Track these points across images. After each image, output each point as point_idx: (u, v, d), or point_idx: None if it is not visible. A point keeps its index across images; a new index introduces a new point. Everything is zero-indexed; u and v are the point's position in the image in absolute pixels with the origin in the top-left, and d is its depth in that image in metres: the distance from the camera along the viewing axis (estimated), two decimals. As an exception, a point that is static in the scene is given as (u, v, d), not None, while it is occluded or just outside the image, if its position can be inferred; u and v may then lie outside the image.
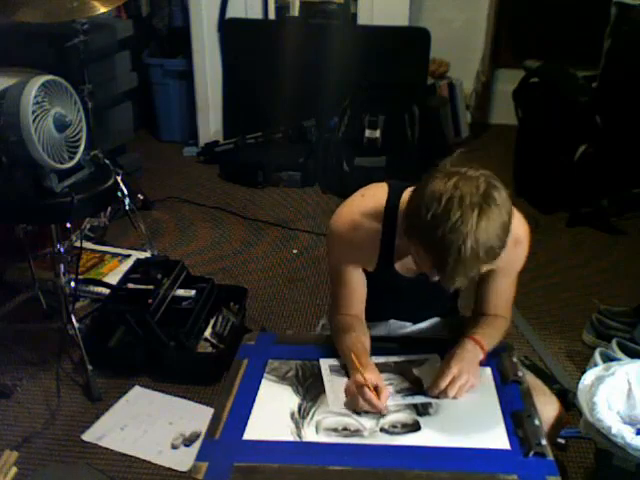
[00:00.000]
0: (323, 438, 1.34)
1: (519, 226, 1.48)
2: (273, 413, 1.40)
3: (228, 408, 1.42)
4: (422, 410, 1.41)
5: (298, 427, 1.36)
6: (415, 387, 1.48)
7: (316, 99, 3.73)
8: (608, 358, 2.01)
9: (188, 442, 1.95)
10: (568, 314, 2.57)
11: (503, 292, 1.58)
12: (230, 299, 2.48)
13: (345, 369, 1.52)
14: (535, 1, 4.14)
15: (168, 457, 1.91)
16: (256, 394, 1.46)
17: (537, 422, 1.36)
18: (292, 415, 1.39)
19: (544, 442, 1.30)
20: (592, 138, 3.16)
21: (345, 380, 1.48)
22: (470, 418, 1.40)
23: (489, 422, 1.38)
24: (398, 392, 1.46)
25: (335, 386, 1.49)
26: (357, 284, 1.59)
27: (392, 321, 1.73)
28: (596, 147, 3.15)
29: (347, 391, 1.43)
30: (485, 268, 1.30)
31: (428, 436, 1.34)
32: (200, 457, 1.30)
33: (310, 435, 1.34)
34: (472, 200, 1.22)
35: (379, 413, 1.38)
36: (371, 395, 1.37)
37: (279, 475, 1.26)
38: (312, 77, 3.73)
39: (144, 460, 1.90)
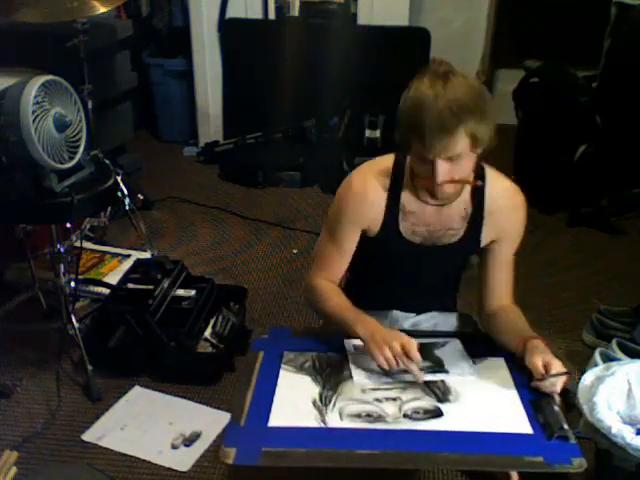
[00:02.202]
0: (347, 424, 1.35)
1: (516, 194, 1.61)
2: (295, 401, 1.42)
3: (250, 396, 1.44)
4: (442, 397, 1.43)
5: (322, 414, 1.38)
6: (436, 366, 1.51)
7: (316, 99, 3.73)
8: (608, 358, 2.01)
9: (188, 442, 1.95)
10: (568, 314, 2.57)
11: (507, 271, 1.65)
12: (230, 299, 2.48)
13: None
14: (535, 1, 4.14)
15: (168, 457, 1.91)
16: (276, 383, 1.48)
17: (557, 408, 1.39)
18: (314, 402, 1.41)
19: (566, 426, 1.33)
20: (592, 138, 3.16)
21: (368, 357, 1.51)
22: (490, 404, 1.42)
23: (509, 408, 1.41)
24: (420, 369, 1.48)
25: (358, 362, 1.52)
26: (348, 248, 1.64)
27: (395, 312, 1.73)
28: (596, 147, 3.15)
29: (382, 342, 1.45)
30: (465, 137, 1.40)
31: (451, 421, 1.36)
32: (228, 442, 1.32)
33: (334, 421, 1.36)
34: (439, 73, 1.42)
35: (414, 370, 1.43)
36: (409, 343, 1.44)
37: (308, 459, 1.28)
38: (312, 77, 3.73)
39: (144, 460, 1.90)
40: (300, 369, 1.53)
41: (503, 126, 4.12)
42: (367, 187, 1.60)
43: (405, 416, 1.37)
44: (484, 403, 1.43)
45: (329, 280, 1.66)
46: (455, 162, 1.43)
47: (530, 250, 3.06)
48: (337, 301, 1.60)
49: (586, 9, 3.78)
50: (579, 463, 1.27)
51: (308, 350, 1.59)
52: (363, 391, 1.45)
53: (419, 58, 3.77)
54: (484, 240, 1.62)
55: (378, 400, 1.42)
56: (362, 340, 1.50)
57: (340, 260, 1.65)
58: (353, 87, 3.67)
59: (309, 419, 1.37)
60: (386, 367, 1.44)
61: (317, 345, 1.62)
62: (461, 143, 1.40)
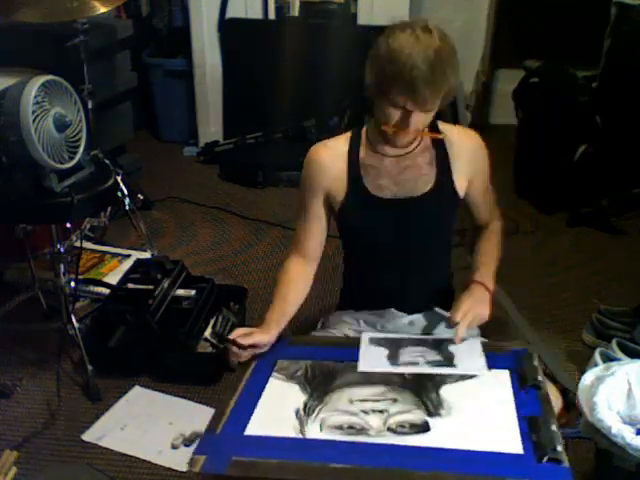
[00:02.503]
0: (327, 436, 1.31)
1: (474, 134, 1.74)
2: (278, 410, 1.39)
3: (232, 404, 1.41)
4: (433, 411, 1.37)
5: (302, 424, 1.33)
6: (446, 361, 1.49)
7: (316, 99, 3.73)
8: (608, 358, 2.01)
9: (188, 442, 1.95)
10: (568, 314, 2.57)
11: (485, 198, 1.75)
12: (230, 299, 2.48)
13: (383, 341, 1.58)
14: (535, 1, 4.14)
15: (168, 457, 1.91)
16: (262, 391, 1.45)
17: (554, 427, 1.28)
18: (297, 412, 1.37)
19: (560, 448, 1.22)
20: (592, 138, 3.16)
21: (381, 350, 1.52)
22: (483, 420, 1.34)
23: (502, 425, 1.32)
24: (427, 363, 1.47)
25: (368, 352, 1.53)
26: (314, 217, 1.70)
27: (393, 310, 1.73)
28: (596, 147, 3.15)
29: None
30: (444, 92, 1.47)
31: (437, 437, 1.29)
32: (198, 450, 1.28)
33: (313, 432, 1.31)
34: (419, 25, 1.49)
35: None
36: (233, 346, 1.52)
37: (278, 471, 1.23)
38: (312, 77, 3.73)
39: (144, 460, 1.90)
40: (290, 378, 1.49)
41: (503, 126, 4.11)
42: (321, 152, 1.69)
43: (389, 430, 1.31)
44: (476, 419, 1.35)
45: (301, 254, 1.72)
46: (427, 114, 1.51)
47: (530, 250, 3.09)
48: (276, 293, 1.70)
49: (586, 9, 3.78)
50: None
51: (304, 358, 1.55)
52: (350, 402, 1.39)
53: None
54: (459, 183, 1.66)
55: (364, 412, 1.36)
56: None
57: (308, 231, 1.72)
58: (353, 87, 3.67)
59: (287, 429, 1.32)
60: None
61: (313, 353, 1.58)
62: (441, 98, 1.48)
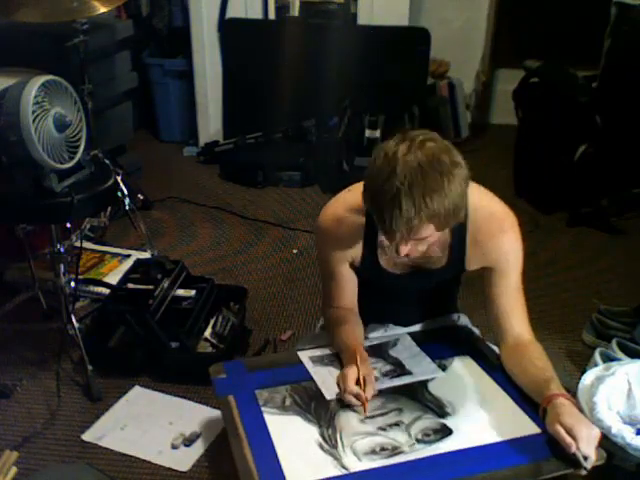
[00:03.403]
0: (368, 463, 1.29)
1: (503, 216, 1.49)
2: (301, 449, 1.33)
3: (249, 457, 1.32)
4: (440, 411, 1.42)
5: (336, 458, 1.31)
6: (398, 368, 1.50)
7: (316, 99, 3.73)
8: (608, 358, 2.01)
9: (188, 442, 1.95)
10: (568, 314, 2.57)
11: (517, 299, 1.52)
12: (230, 299, 2.48)
13: (327, 359, 1.55)
14: (535, 1, 4.15)
15: (168, 457, 1.91)
16: (268, 432, 1.38)
17: None
18: (321, 446, 1.34)
19: None
20: (592, 138, 3.16)
21: (329, 369, 1.51)
22: (487, 411, 1.41)
23: (506, 410, 1.40)
24: (384, 375, 1.47)
25: (323, 377, 1.50)
26: (346, 278, 1.59)
27: (391, 325, 1.73)
28: (596, 147, 3.15)
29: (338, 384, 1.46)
30: (429, 225, 1.27)
31: (463, 438, 1.35)
32: None
33: (353, 463, 1.29)
34: (409, 151, 1.26)
35: (362, 405, 1.39)
36: (355, 388, 1.41)
37: None
38: (312, 77, 3.73)
39: (144, 460, 1.90)
40: (284, 409, 1.45)
41: (503, 126, 4.12)
42: (341, 225, 1.53)
43: (418, 441, 1.34)
44: (481, 410, 1.42)
45: (342, 308, 1.61)
46: (419, 241, 1.34)
47: (530, 250, 3.07)
48: (342, 337, 1.55)
49: (586, 9, 3.78)
50: (600, 454, 1.27)
51: (278, 384, 1.51)
52: (362, 421, 1.40)
53: (419, 58, 3.78)
54: (470, 265, 1.53)
55: (382, 429, 1.38)
56: None
57: (345, 289, 1.61)
58: (353, 87, 3.67)
59: (327, 467, 1.28)
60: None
61: (283, 375, 1.55)
62: (423, 231, 1.29)
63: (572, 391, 1.74)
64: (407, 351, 1.56)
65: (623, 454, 1.48)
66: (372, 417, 1.41)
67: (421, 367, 1.51)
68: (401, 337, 1.60)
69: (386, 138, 1.35)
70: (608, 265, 2.91)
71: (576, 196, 3.26)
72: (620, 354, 2.07)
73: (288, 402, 1.47)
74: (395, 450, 1.32)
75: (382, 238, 1.44)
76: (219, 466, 1.85)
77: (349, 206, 1.53)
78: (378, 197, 1.27)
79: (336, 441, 1.35)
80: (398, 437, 1.35)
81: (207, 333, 2.31)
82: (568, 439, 1.25)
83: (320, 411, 1.43)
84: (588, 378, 1.65)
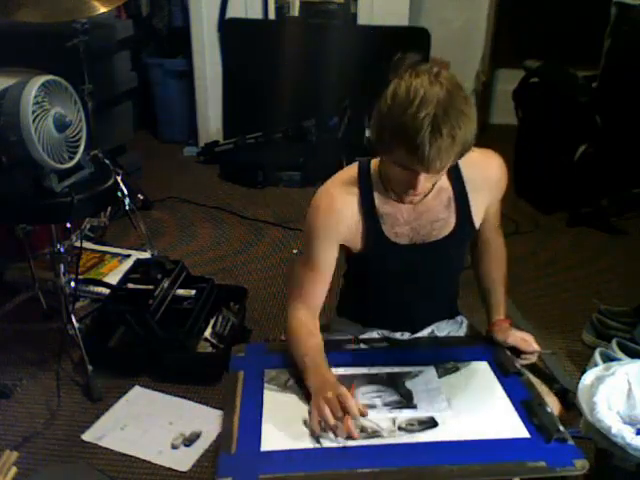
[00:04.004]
0: (342, 442, 1.30)
1: (490, 159, 1.59)
2: (285, 422, 1.36)
3: (236, 422, 1.37)
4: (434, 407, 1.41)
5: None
6: (405, 401, 1.44)
7: (316, 99, 3.73)
8: (608, 358, 2.01)
9: (188, 442, 1.95)
10: (568, 314, 2.57)
11: (497, 214, 1.66)
12: (230, 299, 2.48)
13: (282, 384, 1.48)
14: (535, 1, 4.15)
15: (168, 457, 1.91)
16: (262, 404, 1.42)
17: (549, 409, 1.38)
18: (305, 422, 1.35)
19: (562, 428, 1.32)
20: (592, 138, 3.16)
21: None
22: (483, 411, 1.40)
23: (502, 413, 1.39)
24: (386, 405, 1.42)
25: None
26: (325, 268, 1.53)
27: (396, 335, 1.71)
28: (596, 147, 3.15)
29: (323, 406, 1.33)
30: (457, 155, 1.34)
31: (448, 431, 1.34)
32: (221, 473, 1.25)
33: (329, 441, 1.31)
34: (432, 81, 1.29)
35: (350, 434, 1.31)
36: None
37: None
38: (312, 77, 3.73)
39: (144, 460, 1.90)
40: (284, 387, 1.46)
41: (503, 126, 4.10)
42: (334, 199, 1.50)
43: (400, 429, 1.34)
44: (476, 410, 1.40)
45: (308, 308, 1.55)
46: (435, 174, 1.37)
47: (530, 250, 3.09)
48: (305, 346, 1.49)
49: (586, 9, 3.79)
50: (581, 464, 1.26)
51: (288, 366, 1.51)
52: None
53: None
54: (477, 219, 1.57)
55: (372, 406, 1.39)
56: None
57: (318, 283, 1.54)
58: (353, 87, 3.67)
59: (303, 440, 1.31)
60: (317, 430, 1.32)
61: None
62: (449, 164, 1.35)
63: (572, 391, 1.75)
64: (425, 385, 1.50)
65: (623, 454, 1.47)
66: (365, 405, 1.40)
67: (430, 403, 1.44)
68: (426, 370, 1.55)
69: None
70: (608, 265, 2.91)
71: (576, 196, 3.26)
72: (620, 354, 2.07)
73: (291, 382, 1.48)
74: (374, 434, 1.32)
75: (381, 205, 1.49)
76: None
77: (341, 180, 1.53)
78: (412, 126, 1.26)
79: None
80: (382, 423, 1.35)
81: (207, 333, 2.31)
82: (527, 337, 1.58)
83: None
84: (588, 378, 1.64)
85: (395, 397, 1.45)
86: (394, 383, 1.49)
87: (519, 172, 3.53)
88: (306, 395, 1.43)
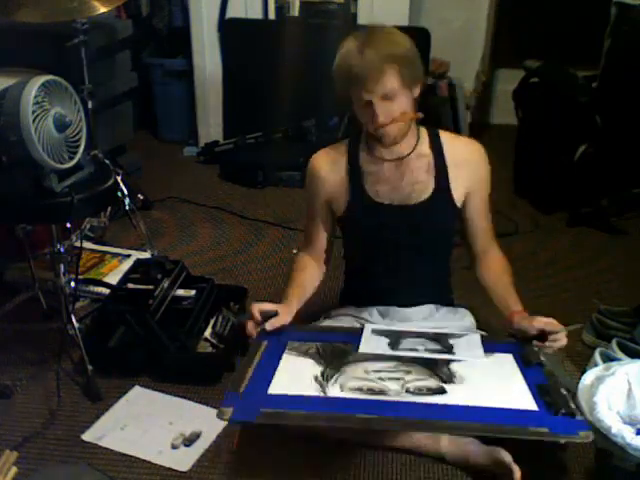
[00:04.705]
0: (348, 396, 1.37)
1: (477, 146, 1.72)
2: (297, 376, 1.45)
3: (250, 371, 1.47)
4: (447, 379, 1.44)
5: (322, 386, 1.40)
6: (444, 349, 1.53)
7: (316, 99, 3.72)
8: (608, 358, 2.01)
9: (188, 442, 1.95)
10: (568, 314, 2.56)
11: (484, 217, 1.74)
12: (230, 299, 2.48)
13: (385, 332, 1.61)
14: (535, 1, 4.15)
15: (168, 457, 1.91)
16: (278, 362, 1.52)
17: (564, 391, 1.41)
18: (316, 378, 1.44)
19: (573, 405, 1.35)
20: (592, 138, 3.16)
21: (382, 338, 1.57)
22: (496, 387, 1.43)
23: (515, 390, 1.42)
24: (427, 350, 1.51)
25: (370, 338, 1.56)
26: (324, 220, 1.78)
27: (396, 309, 1.74)
28: (596, 147, 3.15)
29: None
30: (395, 73, 1.53)
31: (455, 397, 1.37)
32: (226, 403, 1.35)
33: (335, 392, 1.38)
34: (364, 31, 1.60)
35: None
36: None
37: (306, 419, 1.31)
38: (312, 77, 3.72)
39: (144, 460, 1.90)
40: (305, 354, 1.55)
41: (503, 126, 4.11)
42: (321, 161, 1.74)
43: (408, 392, 1.38)
44: (489, 386, 1.43)
45: (313, 251, 1.84)
46: (392, 101, 1.54)
47: (530, 250, 3.08)
48: (291, 280, 1.78)
49: (586, 9, 3.78)
50: (585, 434, 1.26)
51: (312, 341, 1.61)
52: (366, 372, 1.46)
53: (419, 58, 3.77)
54: (456, 193, 1.66)
55: (381, 379, 1.43)
56: None
57: (317, 233, 1.82)
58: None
59: (310, 390, 1.39)
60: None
61: (322, 337, 1.64)
62: (391, 80, 1.52)
63: (572, 391, 1.75)
64: (467, 343, 1.58)
65: (623, 454, 1.47)
66: (380, 371, 1.47)
67: (466, 352, 1.53)
68: (471, 334, 1.62)
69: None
70: (608, 265, 2.91)
71: (576, 196, 3.26)
72: (620, 354, 2.07)
73: (311, 351, 1.57)
74: (380, 393, 1.38)
75: (365, 164, 1.65)
76: (219, 466, 1.85)
77: (332, 146, 1.77)
78: (345, 60, 1.55)
79: (331, 377, 1.44)
80: (391, 385, 1.40)
81: (207, 333, 2.31)
82: (549, 320, 1.62)
83: (333, 360, 1.51)
84: (588, 378, 1.65)
85: (437, 347, 1.55)
86: (438, 339, 1.57)
87: (519, 172, 3.54)
88: (323, 360, 1.51)
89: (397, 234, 1.66)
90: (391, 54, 1.53)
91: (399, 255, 1.70)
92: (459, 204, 1.67)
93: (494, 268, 1.75)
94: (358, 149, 1.70)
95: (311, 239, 1.86)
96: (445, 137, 1.69)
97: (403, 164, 1.64)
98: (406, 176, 1.64)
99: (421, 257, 1.72)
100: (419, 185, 1.63)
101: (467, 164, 1.67)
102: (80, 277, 2.44)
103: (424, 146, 1.65)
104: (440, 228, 1.72)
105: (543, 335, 1.59)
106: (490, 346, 1.61)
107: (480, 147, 1.72)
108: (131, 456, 1.91)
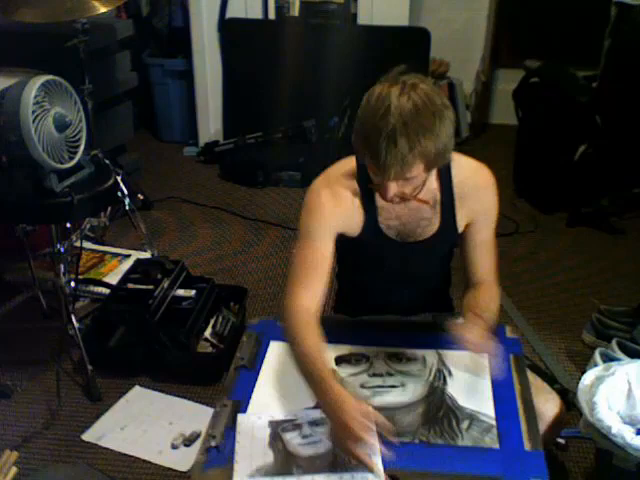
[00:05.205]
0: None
1: (484, 172, 1.58)
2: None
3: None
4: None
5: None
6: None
7: (316, 99, 3.73)
8: (608, 358, 2.01)
9: (188, 442, 1.95)
10: (568, 314, 2.57)
11: (488, 251, 1.61)
12: (230, 299, 2.48)
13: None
14: (535, 1, 4.15)
15: (168, 457, 1.91)
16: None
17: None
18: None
19: None
20: (592, 138, 3.16)
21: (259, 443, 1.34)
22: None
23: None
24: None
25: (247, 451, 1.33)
26: (327, 256, 1.52)
27: (388, 317, 1.73)
28: (596, 147, 3.15)
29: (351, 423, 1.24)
30: (419, 163, 1.33)
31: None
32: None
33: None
34: (402, 92, 1.31)
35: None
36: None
37: None
38: (312, 77, 3.73)
39: (144, 460, 1.90)
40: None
41: (503, 126, 4.10)
42: (336, 191, 1.55)
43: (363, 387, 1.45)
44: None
45: (310, 300, 1.49)
46: (407, 181, 1.38)
47: (530, 250, 3.09)
48: (311, 344, 1.42)
49: (586, 9, 3.78)
50: None
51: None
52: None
53: (419, 58, 3.78)
54: (460, 225, 1.59)
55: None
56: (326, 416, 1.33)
57: (321, 271, 1.52)
58: (353, 87, 3.67)
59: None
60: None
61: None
62: (416, 171, 1.34)
63: (572, 391, 1.75)
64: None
65: (623, 454, 1.47)
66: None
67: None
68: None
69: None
70: (608, 265, 2.91)
71: (576, 196, 3.26)
72: (620, 354, 2.07)
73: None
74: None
75: (378, 198, 1.50)
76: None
77: (341, 173, 1.58)
78: (373, 135, 1.31)
79: None
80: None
81: (207, 333, 2.31)
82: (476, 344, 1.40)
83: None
84: (588, 378, 1.65)
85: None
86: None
87: (519, 172, 3.54)
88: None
89: (401, 265, 1.63)
90: (424, 151, 1.31)
91: (400, 280, 1.68)
92: (460, 229, 1.59)
93: (482, 297, 1.57)
94: (368, 179, 1.48)
95: (312, 280, 1.51)
96: (455, 163, 1.52)
97: (412, 202, 1.51)
98: (415, 212, 1.55)
99: (422, 280, 1.70)
100: (425, 221, 1.57)
101: (475, 192, 1.56)
102: (80, 277, 2.44)
103: (432, 177, 1.51)
104: (445, 257, 1.69)
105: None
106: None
107: (489, 174, 1.59)
108: (131, 456, 1.92)
